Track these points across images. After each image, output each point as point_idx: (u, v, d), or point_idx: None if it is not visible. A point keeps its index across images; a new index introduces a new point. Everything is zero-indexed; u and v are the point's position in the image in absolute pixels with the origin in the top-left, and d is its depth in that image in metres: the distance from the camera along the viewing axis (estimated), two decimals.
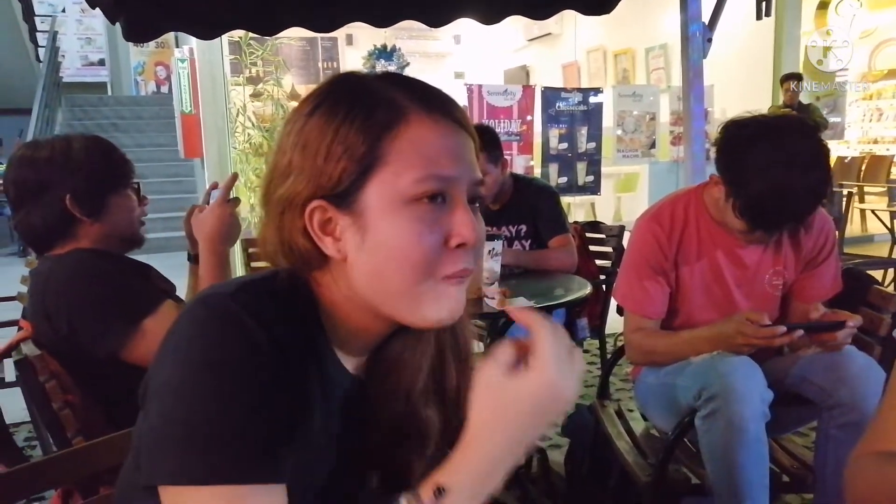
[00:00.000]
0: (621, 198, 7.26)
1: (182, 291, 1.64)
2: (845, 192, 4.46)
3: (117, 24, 2.61)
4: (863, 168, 7.52)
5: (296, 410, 0.63)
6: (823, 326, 1.41)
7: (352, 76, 0.69)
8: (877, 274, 4.11)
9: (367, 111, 0.64)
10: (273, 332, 0.61)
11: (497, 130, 3.64)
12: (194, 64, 5.87)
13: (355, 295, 0.66)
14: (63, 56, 9.57)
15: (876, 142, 9.30)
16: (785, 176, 1.38)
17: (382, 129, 0.63)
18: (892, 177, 7.27)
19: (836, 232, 4.41)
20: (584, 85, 8.57)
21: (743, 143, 1.45)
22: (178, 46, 7.74)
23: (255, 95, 6.34)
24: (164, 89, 10.54)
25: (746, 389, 1.39)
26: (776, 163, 1.39)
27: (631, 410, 1.95)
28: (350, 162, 0.63)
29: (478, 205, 0.69)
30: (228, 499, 0.56)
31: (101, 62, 10.93)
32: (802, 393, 1.50)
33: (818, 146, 1.43)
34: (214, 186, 1.54)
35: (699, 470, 1.55)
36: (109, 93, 10.63)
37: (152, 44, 10.17)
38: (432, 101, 0.66)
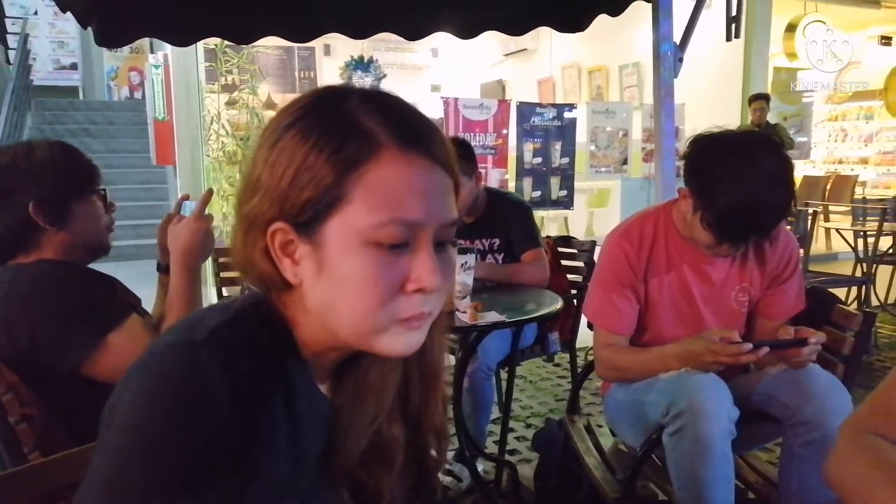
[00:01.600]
0: (594, 213, 7.33)
1: (149, 302, 1.61)
2: (811, 210, 4.56)
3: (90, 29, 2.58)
4: (828, 187, 7.70)
5: (253, 460, 0.60)
6: (788, 343, 1.43)
7: (334, 94, 0.66)
8: (840, 292, 4.21)
9: (339, 141, 0.61)
10: (240, 382, 0.59)
11: (472, 144, 3.65)
12: (169, 70, 5.82)
13: (314, 319, 0.65)
14: (34, 59, 9.41)
15: (841, 162, 9.55)
16: (751, 190, 1.41)
17: (351, 164, 0.60)
18: (856, 196, 7.47)
19: (801, 250, 4.51)
20: (559, 100, 8.68)
21: (711, 156, 1.48)
22: (152, 52, 7.66)
23: (231, 103, 6.28)
24: (138, 95, 10.40)
25: (714, 407, 1.40)
26: (743, 177, 1.42)
27: (600, 426, 1.97)
28: (314, 192, 0.61)
29: (449, 248, 0.66)
30: None
31: (74, 66, 10.75)
32: (768, 410, 1.52)
33: (783, 161, 1.46)
34: (186, 197, 1.52)
35: (666, 486, 1.56)
36: (81, 97, 10.46)
37: (126, 49, 10.05)
38: (410, 136, 0.62)
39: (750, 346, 1.41)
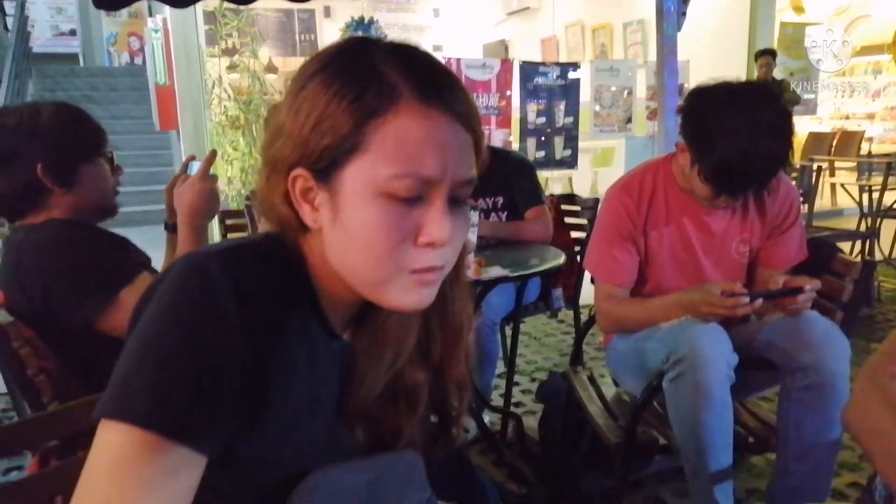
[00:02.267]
0: (598, 172, 7.30)
1: (158, 264, 1.64)
2: (815, 166, 4.54)
3: None
4: (834, 143, 7.63)
5: (263, 378, 0.63)
6: (783, 292, 1.46)
7: (361, 45, 0.66)
8: (845, 246, 4.21)
9: (359, 91, 0.61)
10: (247, 298, 0.61)
11: (476, 104, 3.64)
12: (168, 34, 5.76)
13: (330, 265, 0.67)
14: (33, 26, 9.32)
15: (847, 118, 9.44)
16: (748, 141, 1.42)
17: (369, 113, 0.61)
18: (862, 152, 7.40)
19: (805, 205, 4.50)
20: (563, 59, 8.57)
21: (707, 109, 1.49)
22: (151, 16, 7.57)
23: (231, 67, 6.25)
24: (138, 61, 10.32)
25: (713, 354, 1.44)
26: (740, 128, 1.43)
27: (603, 376, 2.00)
28: (333, 140, 0.62)
29: (465, 204, 0.67)
30: (138, 442, 0.57)
31: (73, 32, 10.65)
32: (767, 357, 1.55)
33: (780, 112, 1.47)
34: (192, 158, 1.53)
35: (667, 431, 1.60)
36: (81, 64, 10.38)
37: (125, 13, 9.95)
38: (431, 90, 0.62)
39: (746, 299, 1.43)
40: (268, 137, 0.67)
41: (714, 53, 6.50)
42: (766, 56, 6.09)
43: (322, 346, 0.70)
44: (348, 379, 0.72)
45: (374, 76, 0.62)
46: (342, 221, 0.63)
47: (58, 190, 1.41)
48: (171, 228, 1.60)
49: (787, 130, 1.47)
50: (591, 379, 1.97)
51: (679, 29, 2.85)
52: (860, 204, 4.66)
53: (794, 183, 4.42)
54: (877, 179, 4.66)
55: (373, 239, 0.62)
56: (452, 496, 0.86)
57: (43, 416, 1.03)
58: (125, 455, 0.56)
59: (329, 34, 8.56)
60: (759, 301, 1.43)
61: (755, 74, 6.25)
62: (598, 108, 5.81)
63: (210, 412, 0.59)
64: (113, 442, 0.57)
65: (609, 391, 1.91)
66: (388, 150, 0.61)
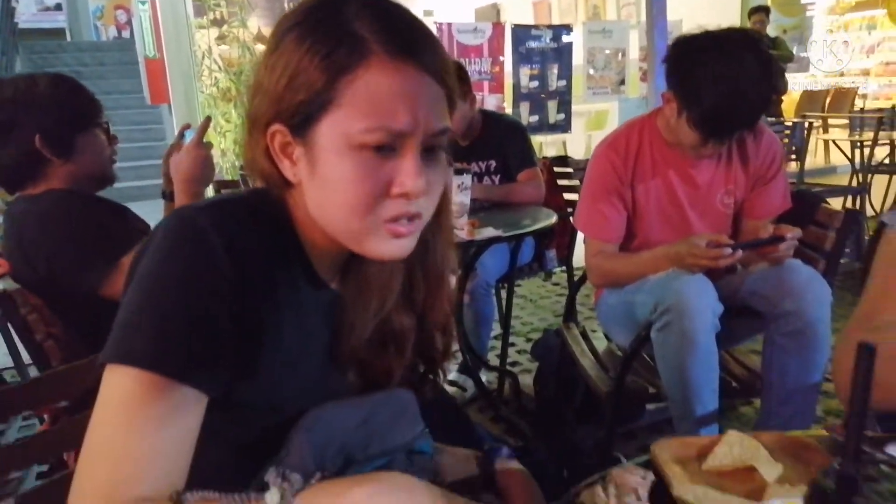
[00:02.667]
0: (592, 135, 7.29)
1: None
2: (807, 123, 4.55)
3: None
4: (827, 101, 7.61)
5: (255, 324, 0.66)
6: (765, 241, 1.50)
7: (335, 0, 0.66)
8: (837, 202, 4.25)
9: (331, 47, 0.63)
10: (235, 248, 0.64)
11: (468, 69, 3.63)
12: (155, 6, 5.71)
13: (312, 217, 0.70)
14: (17, 1, 9.19)
15: (842, 75, 9.39)
16: (734, 85, 1.46)
17: (341, 69, 0.63)
18: (855, 108, 7.39)
19: (794, 159, 4.50)
20: (556, 22, 8.48)
21: (692, 57, 1.52)
22: None
23: (221, 38, 6.19)
24: (126, 34, 10.20)
25: (698, 303, 1.48)
26: (725, 73, 1.46)
27: (595, 331, 2.05)
28: (307, 95, 0.64)
29: (440, 153, 0.68)
30: (143, 383, 0.59)
31: (58, 7, 10.51)
32: (752, 305, 1.59)
33: (763, 56, 1.50)
34: (187, 127, 1.56)
35: (656, 381, 1.66)
36: (68, 38, 10.26)
37: None
38: (401, 44, 0.64)
39: (729, 249, 1.47)
40: (249, 94, 0.69)
41: (706, 13, 6.44)
42: (759, 13, 6.07)
43: (310, 295, 0.73)
44: (338, 326, 0.75)
45: (345, 32, 0.63)
46: (319, 175, 0.66)
47: (56, 160, 1.43)
48: (169, 197, 1.63)
49: (770, 74, 1.50)
50: (584, 334, 2.02)
51: None
52: (852, 160, 4.68)
53: (785, 140, 4.45)
54: (868, 135, 4.68)
55: (348, 191, 0.64)
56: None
57: (50, 374, 1.07)
58: (131, 396, 0.59)
59: None
60: (740, 252, 1.47)
61: None
62: (591, 70, 5.78)
63: (208, 354, 0.62)
64: (118, 385, 0.60)
65: (601, 345, 1.97)
66: (360, 104, 0.63)
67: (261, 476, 0.61)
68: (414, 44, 0.65)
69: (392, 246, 0.68)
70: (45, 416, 1.38)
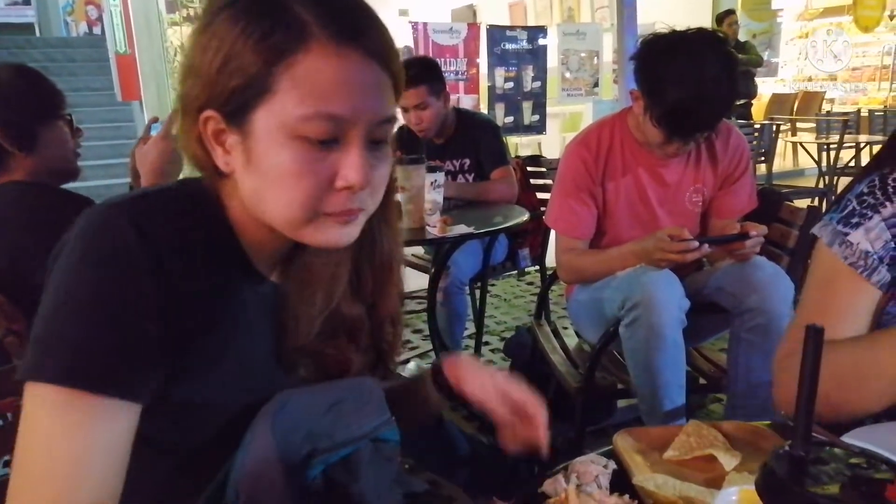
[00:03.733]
0: (566, 137, 7.35)
1: None
2: (774, 125, 4.63)
3: None
4: (796, 104, 7.76)
5: (185, 324, 0.62)
6: (731, 238, 1.53)
7: None
8: (803, 203, 4.33)
9: (267, 29, 0.59)
10: (154, 242, 0.60)
11: (444, 70, 3.63)
12: (127, 2, 5.64)
13: (247, 207, 0.66)
14: None
15: (810, 79, 9.59)
16: (697, 85, 1.48)
17: (278, 54, 0.58)
18: (822, 112, 7.55)
19: (763, 161, 4.58)
20: (531, 24, 8.54)
21: (658, 55, 1.54)
22: None
23: None
24: (97, 30, 10.01)
25: (665, 298, 1.50)
26: (688, 72, 1.49)
27: (566, 328, 2.07)
28: (241, 81, 0.59)
29: (385, 145, 0.65)
30: (61, 399, 0.56)
31: (27, 2, 10.29)
32: (718, 301, 1.62)
33: (727, 57, 1.53)
34: (154, 120, 1.54)
35: (624, 376, 1.67)
36: (38, 34, 10.06)
37: None
38: (343, 27, 0.60)
39: (695, 243, 1.50)
40: (180, 75, 0.65)
41: (679, 15, 6.53)
42: (731, 15, 6.15)
43: (247, 289, 0.69)
44: (282, 322, 0.71)
45: (284, 14, 0.59)
46: (255, 165, 0.62)
47: (17, 153, 1.41)
48: None
49: (732, 75, 1.53)
50: (555, 331, 2.04)
51: None
52: (818, 162, 4.78)
53: (754, 143, 4.53)
54: (834, 137, 4.78)
55: (288, 184, 0.61)
56: (426, 446, 0.90)
57: (8, 369, 1.05)
58: (51, 413, 0.56)
59: None
60: (706, 246, 1.50)
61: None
62: (566, 73, 5.83)
63: (132, 360, 0.59)
64: (38, 402, 0.57)
65: (571, 342, 1.98)
66: (299, 90, 0.59)
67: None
68: (358, 28, 0.61)
69: (333, 234, 0.65)
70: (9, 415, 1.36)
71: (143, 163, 1.46)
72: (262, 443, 0.63)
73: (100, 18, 9.46)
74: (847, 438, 0.76)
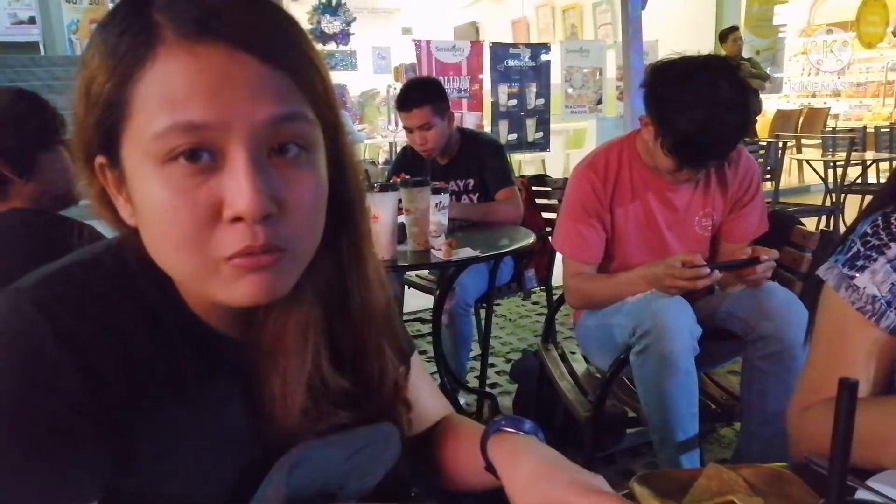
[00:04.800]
0: (570, 154, 7.35)
1: None
2: (781, 143, 4.62)
3: None
4: (800, 121, 7.76)
5: (125, 414, 0.53)
6: (742, 263, 1.50)
7: None
8: (811, 222, 4.30)
9: (116, 40, 0.49)
10: (72, 334, 0.51)
11: (446, 88, 3.63)
12: None
13: None
14: None
15: (814, 95, 9.59)
16: (707, 114, 1.46)
17: (128, 67, 0.49)
18: (827, 129, 7.54)
19: (769, 179, 4.56)
20: (534, 41, 8.57)
21: (669, 83, 1.52)
22: (112, 2, 7.41)
23: None
24: None
25: (677, 325, 1.47)
26: (699, 101, 1.46)
27: (574, 353, 2.04)
28: (101, 110, 0.51)
29: (305, 151, 0.52)
30: None
31: (32, 20, 10.37)
32: (730, 328, 1.59)
33: (739, 85, 1.50)
34: None
35: (635, 404, 1.64)
36: (42, 53, 10.13)
37: (86, 0, 9.72)
38: (195, 21, 0.49)
39: (707, 269, 1.47)
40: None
41: (682, 32, 6.56)
42: (736, 31, 6.15)
43: (200, 353, 0.58)
44: (256, 396, 0.60)
45: (135, 20, 0.50)
46: (136, 208, 0.52)
47: (18, 180, 1.39)
48: None
49: (746, 103, 1.51)
50: (563, 356, 2.00)
51: (643, 7, 2.88)
52: (825, 179, 4.76)
53: (760, 160, 4.51)
54: (841, 155, 4.76)
55: (165, 223, 0.50)
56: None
57: None
58: None
59: (296, 17, 8.45)
60: (717, 272, 1.47)
61: (722, 53, 6.33)
62: (569, 89, 5.83)
63: (63, 469, 0.51)
64: None
65: (580, 367, 1.95)
66: (151, 106, 0.48)
67: None
68: (216, 17, 0.49)
69: (244, 287, 0.51)
70: None
71: None
72: (274, 494, 0.57)
73: None
74: (872, 482, 0.73)
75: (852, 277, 0.87)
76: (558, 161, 7.29)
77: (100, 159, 0.54)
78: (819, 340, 0.93)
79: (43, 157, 1.42)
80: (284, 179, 0.51)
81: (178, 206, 0.49)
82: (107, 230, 1.55)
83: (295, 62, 0.52)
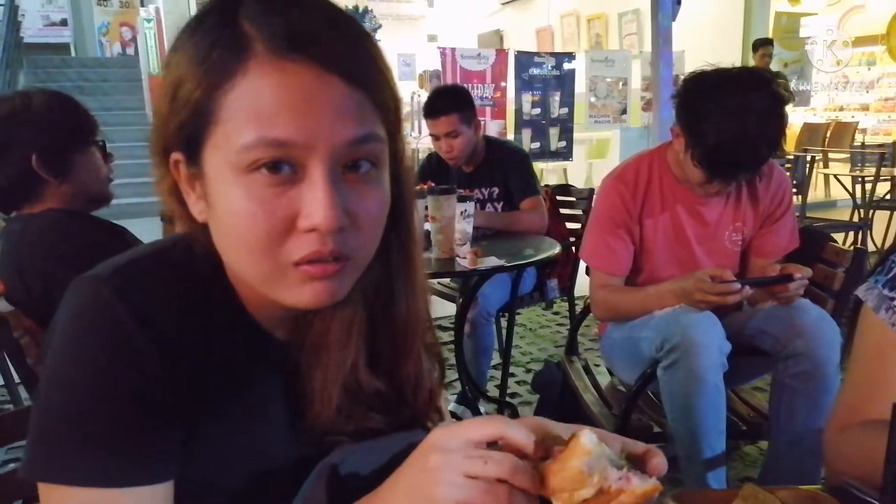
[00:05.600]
0: (593, 164, 7.32)
1: None
2: (809, 157, 4.56)
3: None
4: (828, 134, 7.66)
5: (190, 398, 0.56)
6: (775, 280, 1.47)
7: None
8: (838, 237, 4.24)
9: (207, 50, 0.52)
10: (148, 318, 0.54)
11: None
12: (161, 24, 5.74)
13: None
14: (23, 15, 9.25)
15: (842, 109, 9.47)
16: (740, 126, 1.44)
17: (217, 76, 0.51)
18: (855, 143, 7.44)
19: (795, 193, 4.51)
20: (558, 50, 8.57)
21: (701, 93, 1.50)
22: (143, 6, 7.53)
23: None
24: (130, 51, 10.25)
25: (706, 341, 1.45)
26: (732, 113, 1.44)
27: (597, 365, 2.02)
28: (188, 114, 0.53)
29: (375, 170, 0.55)
30: (93, 501, 0.52)
31: (64, 22, 10.57)
32: (759, 345, 1.56)
33: (773, 97, 1.47)
34: None
35: (660, 419, 1.62)
36: (73, 54, 10.31)
37: (116, 2, 9.89)
38: (289, 36, 0.51)
39: (738, 285, 1.45)
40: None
41: (709, 43, 6.52)
42: (766, 46, 6.08)
43: (253, 350, 0.62)
44: (297, 389, 0.63)
45: (226, 28, 0.52)
46: (213, 209, 0.55)
47: (52, 181, 1.41)
48: (168, 220, 1.60)
49: (779, 116, 1.49)
50: (586, 368, 1.99)
51: (674, 18, 2.86)
52: (853, 195, 4.69)
53: (788, 174, 4.46)
54: (870, 170, 4.69)
55: (242, 227, 0.53)
56: None
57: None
58: None
59: None
60: (748, 288, 1.45)
61: (750, 63, 6.27)
62: (593, 98, 5.82)
63: (148, 445, 0.54)
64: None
65: (604, 380, 1.93)
66: (240, 117, 0.51)
67: None
68: (307, 36, 0.51)
69: (307, 292, 0.54)
70: None
71: None
72: (314, 496, 0.58)
73: (133, 40, 9.67)
74: None
75: (892, 299, 0.86)
76: (581, 170, 7.26)
77: (176, 156, 0.56)
78: (858, 361, 0.92)
79: (77, 158, 1.44)
80: (356, 194, 0.54)
81: (257, 213, 0.52)
82: (139, 231, 1.57)
83: (374, 83, 0.54)
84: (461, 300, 2.36)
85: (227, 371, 0.59)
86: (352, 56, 0.53)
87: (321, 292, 0.55)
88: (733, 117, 1.44)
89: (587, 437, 0.47)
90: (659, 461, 0.49)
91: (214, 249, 0.58)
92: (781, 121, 1.50)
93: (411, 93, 9.11)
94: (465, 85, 5.17)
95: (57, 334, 0.55)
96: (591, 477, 0.46)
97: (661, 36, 2.93)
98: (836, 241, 1.78)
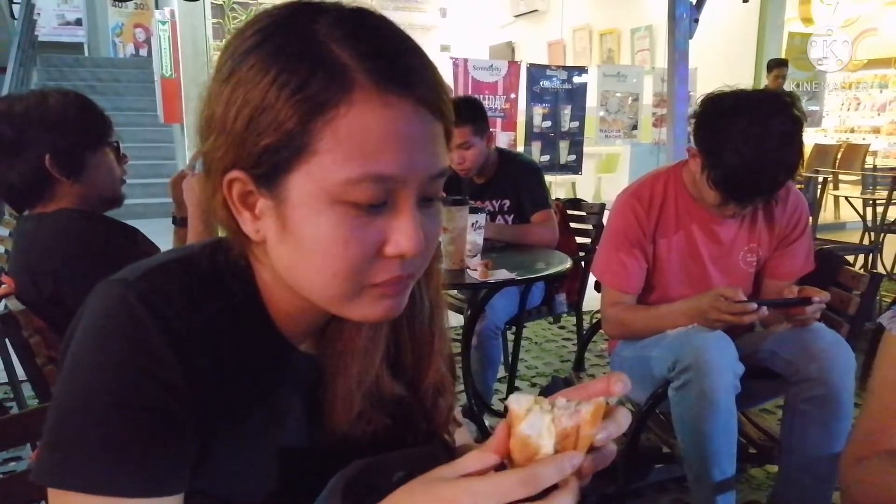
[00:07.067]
0: (602, 178, 7.31)
1: None
2: (820, 178, 4.54)
3: None
4: (838, 156, 7.64)
5: (210, 408, 0.56)
6: (792, 302, 1.46)
7: (301, 12, 0.54)
8: (848, 260, 4.21)
9: (304, 78, 0.51)
10: (174, 328, 0.54)
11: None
12: (175, 27, 5.77)
13: (279, 278, 0.59)
14: (38, 14, 9.32)
15: (853, 131, 9.45)
16: (758, 149, 1.42)
17: (317, 106, 0.50)
18: (867, 165, 7.41)
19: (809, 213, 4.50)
20: (570, 63, 8.58)
21: (719, 115, 1.49)
22: (158, 8, 7.58)
23: None
24: (143, 52, 10.34)
25: (719, 362, 1.44)
26: (751, 136, 1.43)
27: None
28: (274, 139, 0.52)
29: (437, 200, 0.58)
30: None
31: (79, 22, 10.66)
32: (772, 367, 1.55)
33: (792, 121, 1.46)
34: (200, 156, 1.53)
35: (670, 439, 1.60)
36: (86, 54, 10.39)
37: (131, 4, 9.97)
38: (391, 72, 0.52)
39: (754, 305, 1.43)
40: (200, 127, 0.57)
41: (722, 61, 6.52)
42: (781, 67, 6.07)
43: (277, 363, 0.62)
44: (319, 398, 0.64)
45: (320, 56, 0.51)
46: (291, 234, 0.54)
47: (65, 181, 1.40)
48: (180, 222, 1.60)
49: (797, 141, 1.47)
50: None
51: (691, 36, 2.86)
52: (864, 217, 4.66)
53: (804, 197, 4.44)
54: (881, 193, 4.67)
55: (330, 254, 0.53)
56: None
57: (43, 407, 1.03)
58: None
59: None
60: (765, 309, 1.43)
61: (762, 83, 6.27)
62: (603, 113, 5.82)
63: (162, 456, 0.54)
64: None
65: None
66: (342, 149, 0.51)
67: None
68: (408, 72, 0.53)
69: (380, 308, 0.57)
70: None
71: (190, 195, 1.45)
72: None
73: (147, 41, 9.75)
74: None
75: None
76: (590, 185, 7.26)
77: (236, 174, 0.55)
78: (877, 389, 0.91)
79: (90, 158, 1.43)
80: (428, 219, 0.57)
81: (350, 241, 0.53)
82: (147, 233, 1.55)
83: (449, 114, 0.56)
84: (469, 312, 2.34)
85: (249, 384, 0.60)
86: (438, 92, 0.55)
87: (392, 308, 0.58)
88: (752, 142, 1.43)
89: (514, 402, 0.47)
90: (614, 386, 0.51)
91: (248, 263, 0.60)
92: (800, 146, 1.48)
93: None
94: (477, 96, 5.18)
95: (78, 335, 0.55)
96: (540, 435, 0.46)
97: (678, 53, 2.92)
98: (852, 266, 1.77)
